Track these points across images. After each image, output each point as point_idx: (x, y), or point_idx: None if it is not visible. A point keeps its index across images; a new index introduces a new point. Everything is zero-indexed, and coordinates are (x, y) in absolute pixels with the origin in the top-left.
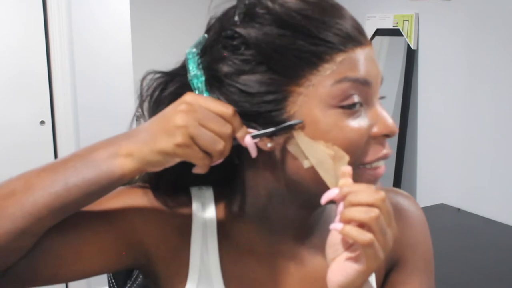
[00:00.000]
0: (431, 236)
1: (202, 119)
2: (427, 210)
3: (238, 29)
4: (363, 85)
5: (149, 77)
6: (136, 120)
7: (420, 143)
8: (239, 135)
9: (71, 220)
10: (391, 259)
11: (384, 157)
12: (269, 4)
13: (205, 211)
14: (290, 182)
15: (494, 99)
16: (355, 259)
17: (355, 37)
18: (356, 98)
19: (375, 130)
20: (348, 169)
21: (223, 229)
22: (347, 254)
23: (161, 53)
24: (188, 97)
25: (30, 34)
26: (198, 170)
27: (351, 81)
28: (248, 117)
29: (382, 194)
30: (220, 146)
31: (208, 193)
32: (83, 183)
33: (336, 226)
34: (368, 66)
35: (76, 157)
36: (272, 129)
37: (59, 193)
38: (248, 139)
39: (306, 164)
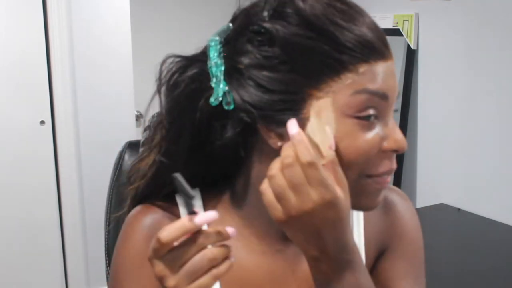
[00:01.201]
0: (431, 236)
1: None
2: (427, 210)
3: (266, 25)
4: (381, 98)
5: (169, 61)
6: (136, 120)
7: (420, 143)
8: None
9: None
10: (380, 247)
11: (390, 172)
12: (300, 4)
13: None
14: None
15: (494, 99)
16: None
17: (379, 50)
18: (372, 111)
19: (385, 144)
20: (329, 129)
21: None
22: None
23: (161, 52)
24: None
25: (30, 34)
26: None
27: (370, 94)
28: (262, 112)
29: (288, 160)
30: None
31: (196, 198)
32: None
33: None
34: (388, 80)
35: None
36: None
37: None
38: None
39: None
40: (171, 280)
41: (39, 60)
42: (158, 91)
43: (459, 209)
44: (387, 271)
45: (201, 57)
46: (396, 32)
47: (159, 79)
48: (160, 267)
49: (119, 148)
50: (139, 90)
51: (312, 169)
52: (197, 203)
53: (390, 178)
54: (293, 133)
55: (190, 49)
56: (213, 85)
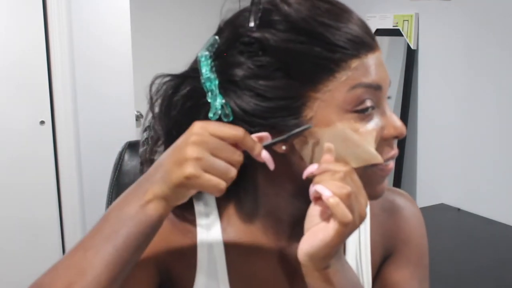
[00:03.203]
0: (431, 236)
1: (213, 149)
2: (427, 210)
3: (255, 35)
4: (376, 89)
5: (158, 81)
6: (136, 120)
7: (420, 143)
8: (255, 153)
9: None
10: (385, 251)
11: (393, 157)
12: (286, 10)
13: (208, 214)
14: (305, 182)
15: (494, 99)
16: (324, 230)
17: (368, 43)
18: (369, 103)
19: (385, 132)
20: (331, 146)
21: (228, 230)
22: (320, 225)
23: (161, 51)
24: (196, 127)
25: (30, 34)
26: (215, 194)
27: (365, 87)
28: (263, 120)
29: (340, 175)
30: (232, 174)
31: (209, 195)
32: (130, 240)
33: (318, 188)
34: (379, 71)
35: (109, 222)
36: (284, 136)
37: (115, 261)
38: (265, 154)
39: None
40: (193, 167)
41: (39, 60)
42: (152, 112)
43: (459, 209)
44: (393, 275)
45: (192, 73)
46: (396, 32)
47: (150, 100)
48: (194, 152)
49: (119, 148)
50: (139, 90)
51: (355, 174)
52: (210, 200)
53: (393, 164)
54: (315, 168)
55: (190, 49)
56: (209, 100)
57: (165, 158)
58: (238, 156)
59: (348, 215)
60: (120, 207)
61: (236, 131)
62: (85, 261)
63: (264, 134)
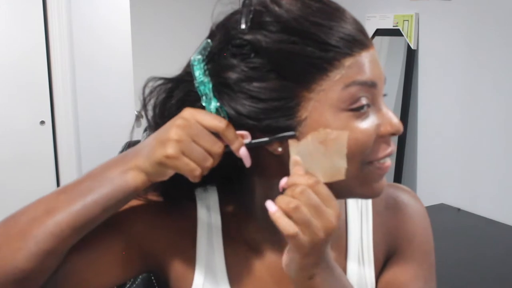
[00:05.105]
0: None
1: (195, 135)
2: (427, 210)
3: (247, 37)
4: (371, 87)
5: (151, 84)
6: (136, 120)
7: (420, 143)
8: (234, 147)
9: (84, 237)
10: (389, 250)
11: (390, 154)
12: (277, 11)
13: (210, 212)
14: None
15: (494, 99)
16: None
17: (361, 41)
18: (364, 100)
19: (382, 129)
20: (298, 159)
21: (229, 229)
22: None
23: (161, 51)
24: (186, 112)
25: (30, 34)
26: (190, 179)
27: (359, 85)
28: (258, 122)
29: (300, 188)
30: (208, 163)
31: (213, 194)
32: (101, 200)
33: (266, 204)
34: (373, 68)
35: (89, 178)
36: (266, 139)
37: (79, 212)
38: (243, 151)
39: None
40: (173, 149)
41: (39, 60)
42: (145, 115)
43: (459, 209)
44: (397, 275)
45: (185, 77)
46: (396, 32)
47: (143, 101)
48: (176, 134)
49: (119, 148)
50: (139, 90)
51: (320, 186)
52: (213, 199)
53: (390, 162)
54: (284, 182)
55: (191, 49)
56: (203, 103)
57: (153, 136)
58: (218, 148)
59: (290, 228)
60: (103, 169)
61: (218, 122)
62: (55, 203)
63: (245, 132)
